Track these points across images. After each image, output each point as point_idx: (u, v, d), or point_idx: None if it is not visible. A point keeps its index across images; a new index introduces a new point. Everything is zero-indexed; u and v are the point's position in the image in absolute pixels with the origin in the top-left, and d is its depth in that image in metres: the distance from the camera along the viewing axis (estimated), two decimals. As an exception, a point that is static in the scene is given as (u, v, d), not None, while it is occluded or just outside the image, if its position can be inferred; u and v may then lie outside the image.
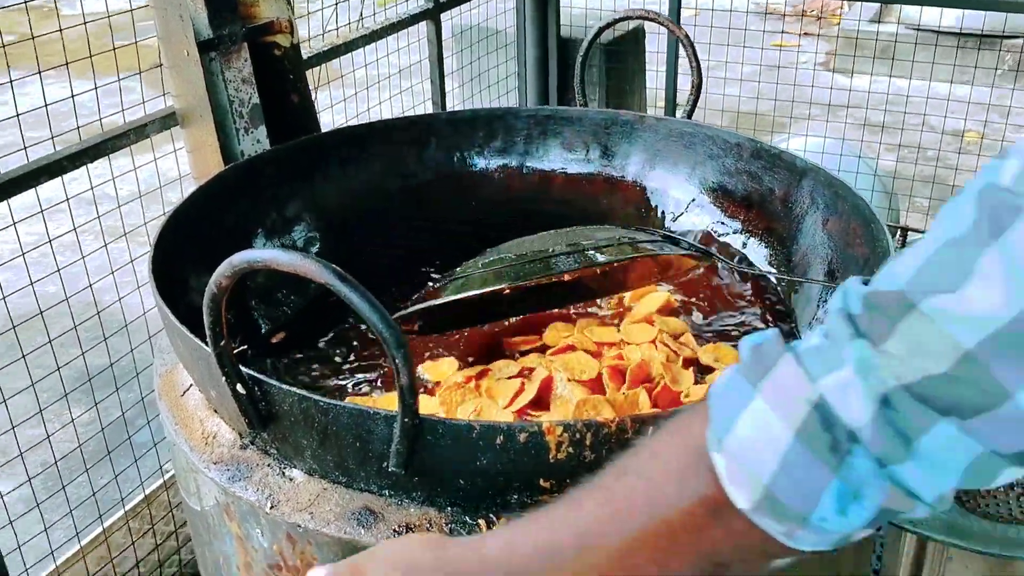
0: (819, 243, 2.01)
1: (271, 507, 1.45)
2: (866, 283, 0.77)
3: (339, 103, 3.17)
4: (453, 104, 4.58)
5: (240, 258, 1.24)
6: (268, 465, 1.51)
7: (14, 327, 2.23)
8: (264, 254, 1.22)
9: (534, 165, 2.44)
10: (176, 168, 2.56)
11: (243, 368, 1.39)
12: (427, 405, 1.67)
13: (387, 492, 1.42)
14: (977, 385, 0.66)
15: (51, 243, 2.28)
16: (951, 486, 0.74)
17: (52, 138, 2.29)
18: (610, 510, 0.83)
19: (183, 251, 1.83)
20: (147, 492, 2.70)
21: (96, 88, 2.29)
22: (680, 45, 2.52)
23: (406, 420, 1.28)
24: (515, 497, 1.38)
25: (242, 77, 2.34)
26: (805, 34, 7.77)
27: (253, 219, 2.05)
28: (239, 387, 1.39)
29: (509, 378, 1.69)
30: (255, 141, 2.42)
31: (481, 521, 1.38)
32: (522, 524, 0.91)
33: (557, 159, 2.45)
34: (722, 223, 2.25)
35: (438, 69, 3.37)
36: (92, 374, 2.47)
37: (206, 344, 1.36)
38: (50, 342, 2.33)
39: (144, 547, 2.67)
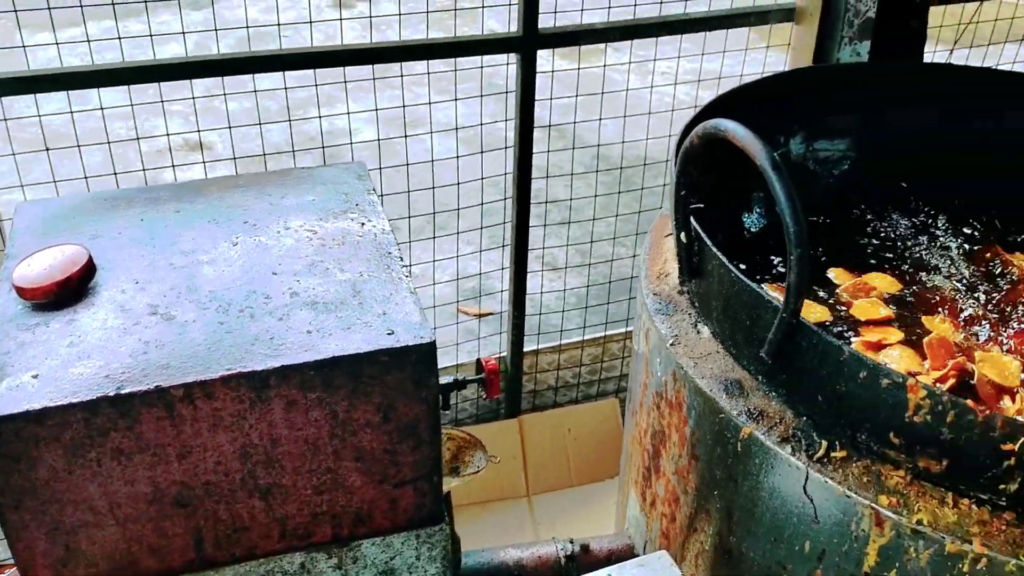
0: None
1: (671, 344, 1.68)
2: None
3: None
4: None
5: (710, 124, 1.44)
6: (688, 313, 1.73)
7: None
8: (727, 124, 1.40)
9: None
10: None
11: (692, 221, 1.61)
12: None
13: (760, 377, 1.55)
14: None
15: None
16: None
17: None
18: None
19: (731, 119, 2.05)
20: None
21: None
22: None
23: (784, 315, 1.39)
24: (863, 437, 1.40)
25: (868, -11, 2.39)
26: None
27: (800, 117, 2.16)
28: (683, 235, 1.62)
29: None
30: (855, 53, 2.48)
31: (824, 442, 1.44)
32: None
33: None
34: None
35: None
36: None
37: (678, 191, 1.61)
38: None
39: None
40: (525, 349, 2.95)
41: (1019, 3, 3.43)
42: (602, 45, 2.69)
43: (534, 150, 2.66)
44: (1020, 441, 1.24)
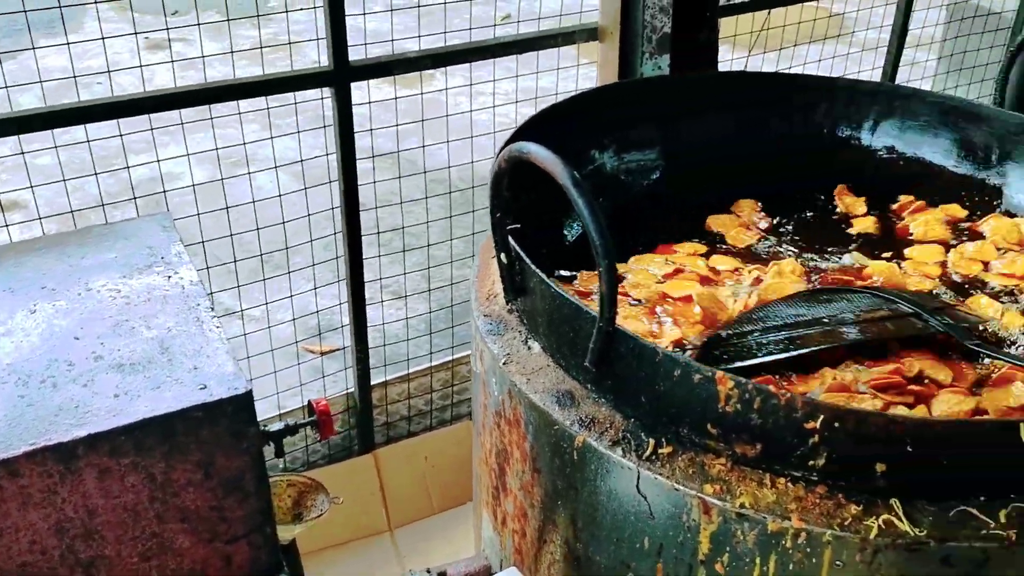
0: None
1: (504, 363, 1.71)
2: None
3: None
4: (921, 79, 4.29)
5: (514, 147, 1.48)
6: (519, 331, 1.77)
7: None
8: (529, 147, 1.44)
9: (915, 153, 2.30)
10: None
11: (511, 241, 1.64)
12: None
13: (589, 386, 1.60)
14: None
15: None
16: None
17: (494, 26, 2.71)
18: None
19: (544, 140, 2.10)
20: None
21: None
22: None
23: (601, 325, 1.44)
24: (685, 431, 1.47)
25: (661, 6, 2.52)
26: None
27: (610, 131, 2.25)
28: (503, 256, 1.66)
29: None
30: (657, 67, 2.60)
31: (652, 440, 1.50)
32: None
33: (946, 155, 2.28)
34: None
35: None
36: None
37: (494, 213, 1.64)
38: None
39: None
40: (374, 382, 2.92)
41: (804, 6, 3.68)
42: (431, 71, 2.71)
43: (371, 179, 2.66)
44: (820, 419, 1.34)
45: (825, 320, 1.73)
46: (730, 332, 1.75)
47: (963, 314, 1.83)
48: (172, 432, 1.17)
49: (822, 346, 1.67)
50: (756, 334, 1.72)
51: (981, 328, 1.80)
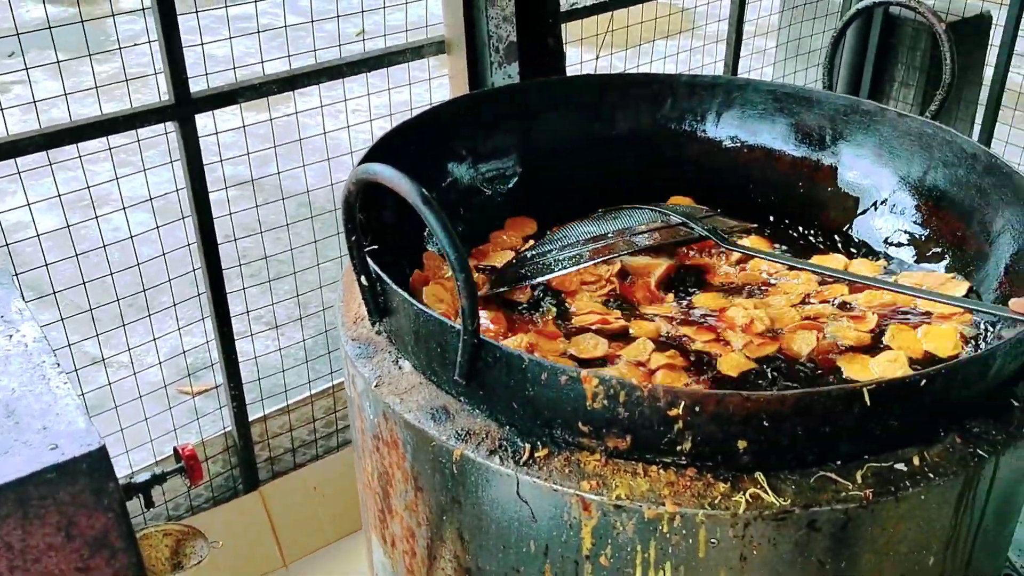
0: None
1: (376, 386, 1.70)
2: None
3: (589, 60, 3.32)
4: (763, 67, 4.49)
5: (361, 170, 1.48)
6: (388, 352, 1.76)
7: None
8: (376, 168, 1.44)
9: (756, 141, 2.42)
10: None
11: (370, 262, 1.64)
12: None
13: (462, 399, 1.61)
14: None
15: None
16: None
17: (339, 46, 2.69)
18: None
19: (398, 158, 2.11)
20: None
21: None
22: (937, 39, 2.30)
23: (466, 338, 1.45)
24: (559, 432, 1.50)
25: (504, 15, 2.56)
26: None
27: (465, 143, 2.27)
28: (363, 278, 1.65)
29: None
30: (507, 76, 2.64)
31: (528, 445, 1.52)
32: None
33: (785, 140, 2.40)
34: (906, 231, 2.14)
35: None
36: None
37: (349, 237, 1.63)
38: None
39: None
40: (253, 416, 2.85)
41: (651, 4, 3.80)
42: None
43: (228, 210, 2.60)
44: (682, 405, 1.39)
45: (610, 235, 2.04)
46: (533, 253, 2.02)
47: (722, 220, 2.18)
48: (26, 497, 1.12)
49: (611, 256, 1.99)
50: (554, 252, 2.00)
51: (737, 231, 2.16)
